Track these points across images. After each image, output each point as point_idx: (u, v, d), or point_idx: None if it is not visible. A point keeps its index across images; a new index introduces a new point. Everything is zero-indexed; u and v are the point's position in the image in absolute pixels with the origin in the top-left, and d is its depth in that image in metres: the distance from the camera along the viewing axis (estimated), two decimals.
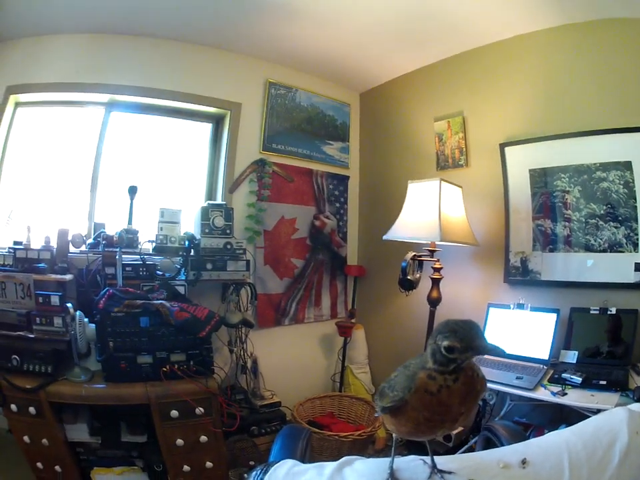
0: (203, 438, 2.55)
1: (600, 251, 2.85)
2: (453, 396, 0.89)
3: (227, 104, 3.63)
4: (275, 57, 3.75)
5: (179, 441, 2.49)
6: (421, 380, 0.91)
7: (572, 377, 2.42)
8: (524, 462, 0.94)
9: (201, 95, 3.51)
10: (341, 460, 1.01)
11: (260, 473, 1.02)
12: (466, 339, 0.87)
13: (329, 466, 0.99)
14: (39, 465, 2.41)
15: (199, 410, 2.52)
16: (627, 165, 2.72)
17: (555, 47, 3.05)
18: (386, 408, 0.98)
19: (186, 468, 2.54)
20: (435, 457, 0.97)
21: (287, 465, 1.03)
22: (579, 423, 1.12)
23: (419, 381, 0.91)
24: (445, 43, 3.45)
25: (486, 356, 2.84)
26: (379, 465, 0.98)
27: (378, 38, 3.38)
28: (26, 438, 2.37)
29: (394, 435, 1.06)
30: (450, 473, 0.93)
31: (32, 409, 2.32)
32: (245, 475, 2.82)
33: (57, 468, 2.41)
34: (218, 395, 2.65)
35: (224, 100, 3.61)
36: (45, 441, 2.37)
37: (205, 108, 3.63)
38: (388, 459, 0.98)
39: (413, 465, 1.00)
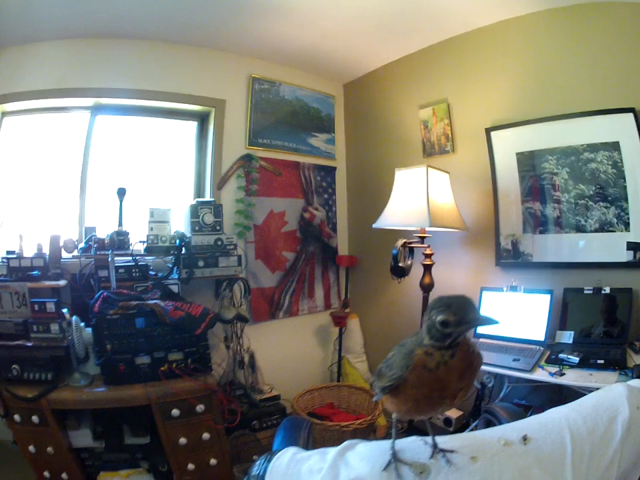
0: (205, 435, 2.57)
1: (591, 231, 2.87)
2: (451, 372, 0.89)
3: (211, 101, 3.62)
4: (258, 52, 3.73)
5: (182, 440, 2.50)
6: (419, 357, 0.92)
7: (569, 357, 2.43)
8: (525, 438, 0.93)
9: (185, 94, 3.49)
10: (343, 444, 1.00)
11: (264, 462, 1.01)
12: (460, 311, 0.88)
13: (332, 451, 0.98)
14: (46, 474, 2.41)
15: (200, 407, 2.53)
16: (615, 146, 2.74)
17: (538, 31, 3.05)
18: (385, 387, 0.98)
19: (190, 466, 2.55)
20: (436, 437, 0.96)
21: (290, 451, 1.03)
22: (578, 400, 1.11)
23: (416, 358, 0.92)
24: (427, 31, 3.45)
25: (482, 339, 2.90)
26: (381, 446, 0.97)
27: (360, 29, 3.37)
28: (31, 448, 2.37)
29: (393, 415, 1.07)
30: (452, 451, 0.92)
31: (35, 418, 2.32)
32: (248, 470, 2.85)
33: (64, 475, 2.41)
34: (217, 391, 2.65)
35: (208, 97, 3.60)
36: (50, 449, 2.37)
37: (190, 106, 3.61)
38: (389, 441, 0.97)
39: (414, 445, 0.98)
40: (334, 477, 0.90)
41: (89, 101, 3.27)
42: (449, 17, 3.21)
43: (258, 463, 1.02)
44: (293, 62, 3.94)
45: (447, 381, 0.90)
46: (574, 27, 2.90)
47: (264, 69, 3.86)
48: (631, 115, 2.64)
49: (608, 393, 1.10)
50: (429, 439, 0.97)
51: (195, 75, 3.54)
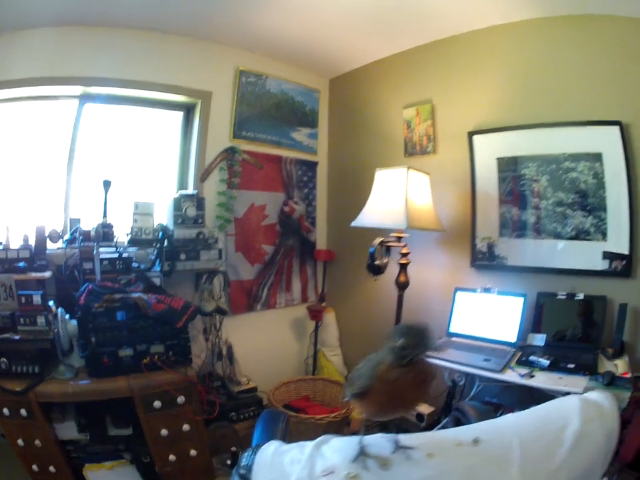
0: (186, 427, 2.63)
1: (567, 238, 2.94)
2: (407, 385, 1.04)
3: (197, 93, 3.62)
4: (246, 45, 3.73)
5: (164, 431, 2.56)
6: (381, 370, 1.07)
7: (539, 359, 2.51)
8: (476, 440, 1.07)
9: (172, 85, 3.48)
10: (319, 438, 1.15)
11: (251, 454, 1.13)
12: (417, 339, 1.05)
13: (309, 444, 1.13)
14: (35, 467, 2.44)
15: (180, 399, 2.59)
16: (597, 157, 2.81)
17: (528, 38, 3.10)
18: (355, 394, 1.14)
19: (172, 457, 2.61)
20: (399, 435, 1.11)
21: (274, 445, 1.17)
22: (531, 408, 1.25)
23: (379, 372, 1.07)
24: (417, 31, 3.47)
25: (454, 338, 3.00)
26: (352, 441, 1.12)
27: (350, 25, 3.38)
28: (20, 441, 2.39)
29: (362, 415, 1.22)
30: (411, 448, 1.06)
31: (23, 411, 2.34)
32: (226, 461, 2.92)
33: (51, 469, 2.44)
34: (197, 383, 2.72)
35: (195, 89, 3.59)
36: (37, 442, 2.40)
37: (176, 97, 3.61)
38: (359, 437, 1.12)
39: (380, 441, 1.13)
40: (311, 466, 1.04)
41: (78, 90, 3.25)
42: (440, 18, 3.23)
43: (246, 455, 1.14)
44: (281, 55, 3.94)
45: (403, 392, 1.06)
46: (565, 38, 2.95)
47: (251, 61, 3.85)
48: (616, 128, 2.70)
49: (561, 404, 1.25)
50: (392, 436, 1.12)
51: (182, 66, 3.52)
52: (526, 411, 1.25)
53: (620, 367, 2.39)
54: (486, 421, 1.29)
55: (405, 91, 3.82)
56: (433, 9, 3.11)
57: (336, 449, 1.11)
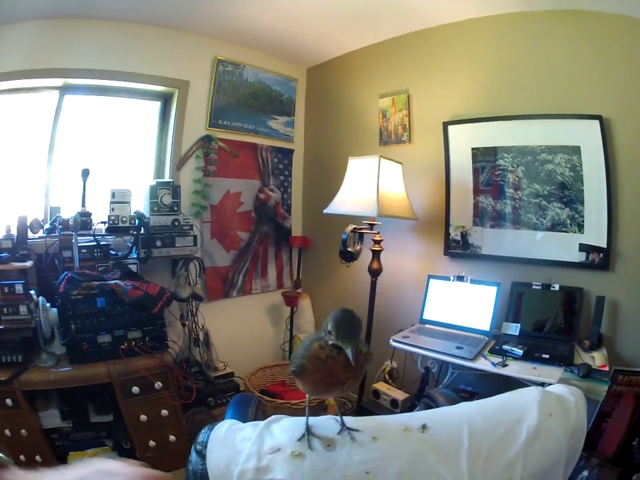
0: (164, 412, 2.67)
1: (543, 230, 3.00)
2: (337, 364, 1.07)
3: (175, 82, 3.60)
4: (224, 34, 3.72)
5: (143, 417, 2.59)
6: (314, 349, 1.10)
7: (513, 349, 2.53)
8: (424, 427, 1.07)
9: (151, 75, 3.47)
10: (270, 417, 1.17)
11: (207, 430, 1.16)
12: (343, 329, 1.07)
13: (261, 423, 1.14)
14: (22, 457, 2.44)
15: (158, 384, 2.63)
16: (576, 150, 2.85)
17: (506, 32, 3.13)
18: (292, 372, 1.17)
19: (152, 443, 2.65)
20: (344, 417, 1.13)
21: (228, 422, 1.18)
22: (486, 398, 1.24)
23: (312, 350, 1.10)
24: (395, 22, 3.49)
25: (427, 325, 3.06)
26: (299, 421, 1.14)
27: (327, 16, 3.38)
28: (7, 432, 2.39)
29: (306, 395, 1.26)
30: (357, 430, 1.08)
31: (9, 401, 2.35)
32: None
33: (38, 458, 2.45)
34: (174, 368, 2.76)
35: (172, 78, 3.58)
36: (23, 431, 2.40)
37: (154, 87, 3.59)
38: (307, 417, 1.14)
39: (327, 422, 1.15)
40: (260, 444, 1.05)
41: (58, 81, 3.21)
42: (418, 10, 3.25)
43: (203, 431, 1.17)
44: (259, 44, 3.94)
45: (334, 371, 1.09)
46: (544, 32, 2.97)
47: (229, 51, 3.85)
48: (596, 122, 2.74)
49: (518, 396, 1.22)
50: (339, 418, 1.13)
51: (160, 56, 3.51)
52: (482, 400, 1.23)
53: (597, 359, 2.42)
54: (438, 409, 1.31)
55: (381, 80, 3.86)
56: (410, 2, 3.13)
57: (284, 428, 1.12)
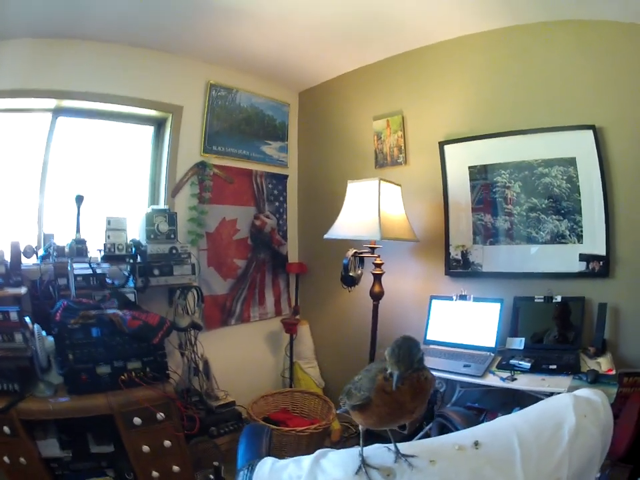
0: (167, 443, 2.58)
1: (542, 243, 3.01)
2: (404, 394, 1.03)
3: (168, 107, 3.60)
4: (216, 59, 3.73)
5: (145, 448, 2.51)
6: (379, 382, 1.06)
7: (520, 362, 2.55)
8: (476, 444, 1.06)
9: (144, 99, 3.46)
10: (315, 453, 1.11)
11: (247, 472, 1.11)
12: (405, 363, 1.02)
13: (306, 459, 1.09)
14: None
15: (160, 415, 2.55)
16: (571, 161, 2.89)
17: (497, 47, 3.17)
18: (355, 406, 1.12)
19: (155, 474, 2.55)
20: (397, 444, 1.09)
21: (269, 461, 1.14)
22: (524, 409, 1.26)
23: (377, 383, 1.06)
24: (387, 43, 3.52)
25: (432, 346, 3.02)
26: (351, 454, 1.10)
27: (320, 38, 3.41)
28: (6, 459, 2.32)
29: (360, 427, 1.19)
30: (413, 456, 1.05)
31: (6, 429, 2.28)
32: (209, 475, 2.88)
33: None
34: (176, 399, 2.69)
35: (166, 103, 3.57)
36: (22, 459, 2.33)
37: (148, 111, 3.58)
38: (357, 449, 1.10)
39: (379, 451, 1.11)
40: None
41: (51, 103, 3.19)
42: (408, 30, 3.28)
43: (242, 473, 1.12)
44: (251, 69, 3.95)
45: (402, 402, 1.04)
46: (534, 45, 3.02)
47: (222, 75, 3.85)
48: (590, 132, 2.78)
49: (554, 403, 1.26)
50: (391, 445, 1.10)
51: (154, 80, 3.50)
52: (519, 411, 1.26)
53: (603, 364, 2.44)
54: (481, 425, 1.29)
55: (375, 102, 3.87)
56: (401, 22, 3.16)
57: (336, 463, 1.08)
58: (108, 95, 3.31)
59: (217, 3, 2.91)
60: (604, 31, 2.79)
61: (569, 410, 1.15)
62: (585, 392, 1.29)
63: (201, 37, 3.36)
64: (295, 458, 1.13)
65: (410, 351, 1.04)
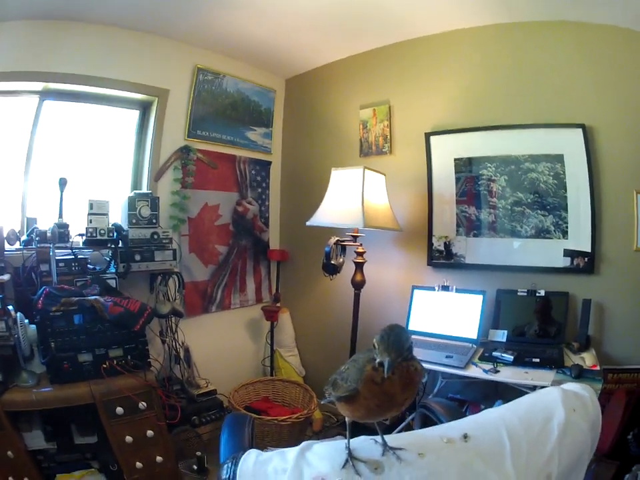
0: (150, 432, 2.56)
1: (527, 237, 3.04)
2: (394, 385, 0.99)
3: (155, 90, 3.52)
4: (204, 43, 3.66)
5: (128, 438, 2.49)
6: (368, 372, 1.01)
7: (503, 355, 2.58)
8: (465, 436, 1.05)
9: (131, 82, 3.38)
10: (300, 445, 1.09)
11: (231, 465, 1.08)
12: (395, 352, 0.98)
13: (291, 451, 1.07)
14: (11, 479, 2.32)
15: (142, 404, 2.53)
16: (559, 158, 2.91)
17: (488, 43, 3.18)
18: (341, 397, 1.08)
19: (138, 464, 2.53)
20: (385, 436, 1.07)
21: (253, 454, 1.10)
22: (513, 401, 1.25)
23: (366, 373, 1.02)
24: (376, 34, 3.50)
25: (415, 336, 3.01)
26: (336, 446, 1.07)
27: (310, 26, 3.37)
28: None
29: (347, 419, 1.17)
30: (401, 449, 1.03)
31: None
32: (193, 465, 2.86)
33: None
34: (157, 387, 2.66)
35: (153, 86, 3.50)
36: (10, 453, 2.29)
37: (134, 95, 3.50)
38: (344, 441, 1.07)
39: (366, 444, 1.08)
40: (299, 475, 0.98)
41: (38, 86, 3.11)
42: (400, 21, 3.26)
43: (225, 467, 1.09)
44: (239, 54, 3.89)
45: (392, 393, 1.00)
46: (527, 43, 3.04)
47: (209, 59, 3.79)
48: (579, 130, 2.81)
49: (543, 396, 1.26)
50: (378, 438, 1.07)
51: (141, 63, 3.43)
52: (508, 404, 1.25)
53: (587, 360, 2.48)
54: (469, 417, 1.28)
55: (362, 91, 3.85)
56: (393, 13, 3.13)
57: (322, 456, 1.04)
58: (95, 78, 3.22)
59: None
60: (599, 33, 2.82)
61: (557, 404, 1.16)
62: (573, 386, 1.29)
63: (190, 21, 3.30)
64: (279, 450, 1.10)
65: (400, 337, 1.00)
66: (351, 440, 1.08)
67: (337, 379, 1.14)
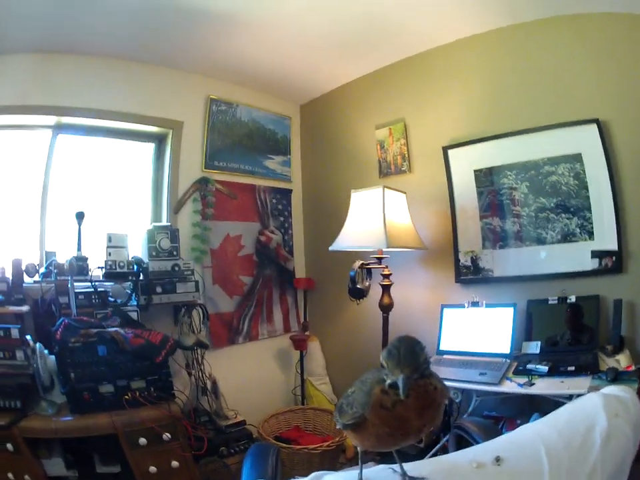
0: (174, 463, 2.51)
1: (553, 243, 2.93)
2: (408, 409, 0.88)
3: (169, 122, 3.57)
4: (216, 73, 3.71)
5: (152, 468, 2.45)
6: (376, 396, 0.91)
7: (537, 366, 2.48)
8: (498, 459, 0.95)
9: (144, 115, 3.44)
10: (311, 475, 1.01)
11: None
12: (408, 367, 0.88)
13: None
14: None
15: (166, 436, 2.49)
16: (577, 157, 2.83)
17: (496, 47, 3.15)
18: (347, 425, 0.98)
19: None
20: (404, 464, 0.97)
21: None
22: (550, 414, 1.16)
23: (374, 397, 0.91)
24: (386, 51, 3.50)
25: (445, 356, 2.94)
26: (349, 477, 0.99)
27: (319, 50, 3.40)
28: (10, 475, 2.27)
29: (358, 448, 1.06)
30: (422, 479, 0.93)
31: (9, 446, 2.24)
32: None
33: None
34: (182, 419, 2.62)
35: (166, 119, 3.55)
36: (27, 477, 2.28)
37: (148, 127, 3.55)
38: (357, 471, 0.98)
39: (383, 474, 1.01)
40: None
41: (51, 119, 3.17)
42: (407, 35, 3.27)
43: None
44: (251, 82, 3.93)
45: (406, 418, 0.89)
46: (532, 43, 3.00)
47: (222, 89, 3.83)
48: (594, 126, 2.74)
49: (583, 404, 1.17)
50: (397, 467, 0.98)
51: (154, 95, 3.49)
52: (545, 417, 1.16)
53: (622, 361, 2.38)
54: (503, 436, 1.18)
55: (376, 111, 3.84)
56: (399, 28, 3.14)
57: None
58: (107, 112, 3.28)
59: (215, 16, 2.90)
60: (600, 22, 2.77)
61: (599, 410, 1.07)
62: (613, 389, 1.21)
63: (200, 51, 3.35)
64: None
65: (413, 349, 0.89)
66: (366, 470, 1.00)
67: (343, 404, 1.03)
